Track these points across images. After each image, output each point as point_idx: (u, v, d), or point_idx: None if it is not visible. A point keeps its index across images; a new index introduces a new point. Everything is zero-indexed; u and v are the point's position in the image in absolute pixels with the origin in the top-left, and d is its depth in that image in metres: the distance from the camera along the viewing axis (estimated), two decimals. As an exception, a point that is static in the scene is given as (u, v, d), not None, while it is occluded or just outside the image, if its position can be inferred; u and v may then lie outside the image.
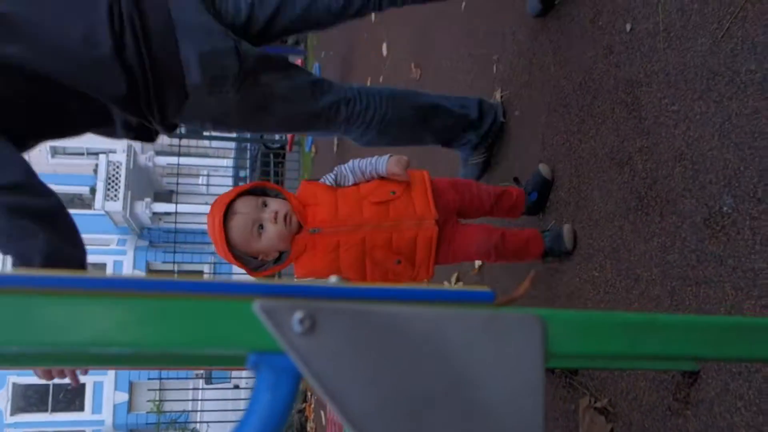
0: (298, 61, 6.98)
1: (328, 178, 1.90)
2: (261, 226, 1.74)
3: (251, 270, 1.83)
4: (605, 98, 1.90)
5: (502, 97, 2.58)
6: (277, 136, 10.14)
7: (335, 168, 1.93)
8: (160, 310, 0.54)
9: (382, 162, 1.87)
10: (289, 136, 7.83)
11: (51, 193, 1.61)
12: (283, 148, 10.29)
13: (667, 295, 1.58)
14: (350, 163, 1.91)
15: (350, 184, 1.90)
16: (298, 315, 0.55)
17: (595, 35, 1.97)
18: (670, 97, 1.62)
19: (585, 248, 1.94)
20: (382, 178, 1.89)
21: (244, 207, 1.74)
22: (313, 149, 8.43)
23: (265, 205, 1.76)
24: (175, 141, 9.16)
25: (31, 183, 1.56)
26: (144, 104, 1.78)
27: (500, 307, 0.62)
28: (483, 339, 0.59)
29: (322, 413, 6.18)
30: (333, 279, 0.62)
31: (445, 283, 3.06)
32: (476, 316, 0.59)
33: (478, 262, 2.72)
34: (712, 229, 1.45)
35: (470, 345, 0.58)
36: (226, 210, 1.73)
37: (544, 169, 2.18)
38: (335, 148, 6.54)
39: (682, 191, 1.55)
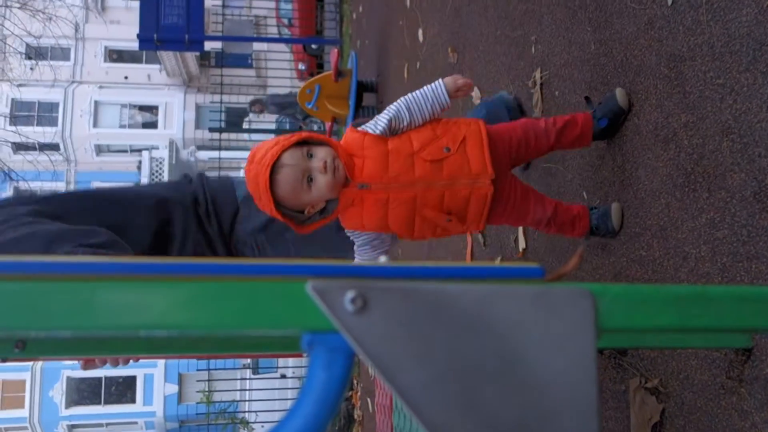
0: (335, 51, 6.99)
1: (379, 125, 1.77)
2: (310, 178, 1.66)
3: (297, 225, 1.77)
4: (648, 74, 1.86)
5: (542, 78, 2.56)
6: (315, 126, 10.21)
7: (389, 107, 1.80)
8: (217, 292, 0.56)
9: (441, 91, 1.80)
10: (327, 125, 7.87)
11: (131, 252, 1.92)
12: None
13: (718, 272, 1.55)
14: (404, 101, 1.79)
15: (405, 125, 1.78)
16: (349, 294, 0.56)
17: (635, 11, 1.94)
18: (715, 70, 1.58)
19: (631, 227, 1.92)
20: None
21: (291, 159, 1.65)
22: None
23: (310, 155, 1.67)
24: (216, 135, 9.27)
25: (114, 243, 1.83)
26: (204, 214, 2.19)
27: (549, 283, 0.62)
28: (533, 314, 0.59)
29: (369, 401, 6.23)
30: (383, 259, 0.63)
31: (489, 267, 3.05)
32: (525, 291, 0.59)
33: (522, 245, 2.70)
34: (762, 204, 1.42)
35: (520, 320, 0.59)
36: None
37: (620, 95, 1.96)
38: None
39: (731, 165, 1.52)
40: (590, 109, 2.03)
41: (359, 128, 1.78)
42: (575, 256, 0.66)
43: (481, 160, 1.77)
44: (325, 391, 0.56)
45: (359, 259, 1.87)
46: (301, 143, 1.69)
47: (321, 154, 1.67)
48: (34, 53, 19.32)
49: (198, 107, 23.68)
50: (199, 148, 21.72)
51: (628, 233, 1.93)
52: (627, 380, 1.88)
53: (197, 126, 23.37)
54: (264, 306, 0.56)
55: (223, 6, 10.31)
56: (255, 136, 16.92)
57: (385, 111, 1.79)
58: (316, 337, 0.57)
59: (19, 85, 19.87)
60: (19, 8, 15.12)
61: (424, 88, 1.80)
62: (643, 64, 1.88)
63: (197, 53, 20.33)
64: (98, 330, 0.55)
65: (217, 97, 10.17)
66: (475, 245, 3.36)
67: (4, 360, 1.33)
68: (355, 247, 1.88)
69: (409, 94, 1.80)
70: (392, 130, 1.78)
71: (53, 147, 20.62)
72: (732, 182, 1.52)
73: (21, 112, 22.80)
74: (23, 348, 1.24)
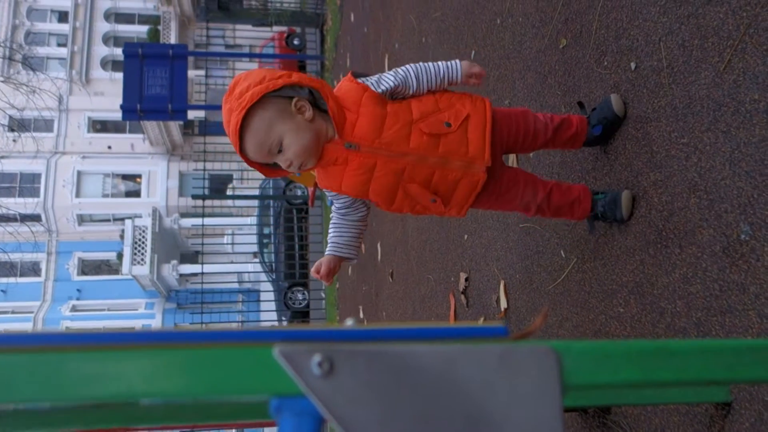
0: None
1: (383, 83, 1.67)
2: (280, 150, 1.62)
3: (266, 169, 1.71)
4: (616, 135, 1.92)
5: (515, 140, 2.62)
6: (299, 191, 10.28)
7: (397, 70, 1.69)
8: (184, 360, 0.56)
9: (455, 70, 1.70)
10: (310, 190, 7.92)
11: None
12: (305, 203, 10.42)
13: (693, 326, 1.57)
14: (414, 69, 1.69)
15: (410, 93, 1.69)
16: (316, 358, 0.57)
17: (601, 75, 2.01)
18: (679, 130, 1.64)
19: (608, 284, 1.94)
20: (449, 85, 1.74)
21: (255, 153, 1.60)
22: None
23: (280, 150, 1.61)
24: (200, 202, 9.30)
25: None
26: None
27: (514, 342, 0.63)
28: (498, 373, 0.60)
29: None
30: (349, 322, 0.64)
31: (472, 328, 3.04)
32: (490, 350, 0.60)
33: (504, 305, 2.71)
34: (731, 258, 1.45)
35: (486, 379, 0.60)
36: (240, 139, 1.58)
37: (615, 101, 1.88)
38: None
39: (699, 222, 1.56)
40: (584, 114, 1.98)
41: (360, 79, 1.67)
42: (540, 316, 0.68)
43: (480, 144, 1.69)
44: (293, 457, 0.57)
45: (339, 220, 1.80)
46: (285, 95, 1.59)
47: (289, 153, 1.61)
48: (17, 125, 19.44)
49: (181, 175, 23.81)
50: (183, 215, 21.71)
51: (606, 290, 1.95)
52: (612, 439, 1.86)
53: (181, 194, 23.45)
54: (232, 372, 0.57)
55: (206, 76, 10.49)
56: (239, 203, 16.97)
57: (392, 72, 1.69)
58: (284, 402, 0.58)
59: (1, 157, 19.90)
60: (2, 82, 15.29)
61: (439, 63, 1.71)
62: (612, 125, 1.94)
63: (180, 122, 20.61)
64: (66, 401, 0.55)
65: (200, 165, 10.24)
66: (457, 306, 3.36)
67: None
68: (334, 209, 1.81)
69: (422, 64, 1.70)
70: (394, 94, 1.69)
71: (35, 218, 20.53)
72: (702, 238, 1.55)
73: (2, 184, 22.77)
74: (-5, 423, 1.22)
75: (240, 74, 1.62)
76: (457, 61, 1.71)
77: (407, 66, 1.68)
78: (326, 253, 1.84)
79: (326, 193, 1.79)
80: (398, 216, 4.81)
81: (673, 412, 1.63)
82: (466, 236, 3.25)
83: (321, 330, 0.61)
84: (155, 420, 1.32)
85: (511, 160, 2.59)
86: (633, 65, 1.84)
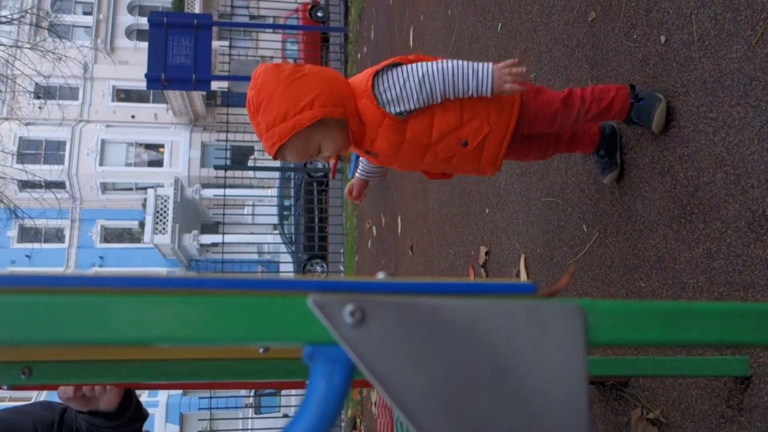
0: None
1: (403, 104, 1.61)
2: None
3: None
4: (643, 109, 1.90)
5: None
6: (320, 164, 10.30)
7: (423, 84, 1.59)
8: (222, 306, 0.58)
9: (486, 85, 1.60)
10: (331, 163, 7.94)
11: None
12: (326, 176, 10.44)
13: (715, 300, 1.57)
14: (440, 84, 1.59)
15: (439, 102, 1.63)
16: (348, 308, 0.59)
17: (630, 49, 1.99)
18: (708, 104, 1.63)
19: (630, 258, 1.94)
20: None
21: (293, 161, 1.76)
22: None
23: (319, 150, 1.66)
24: (221, 173, 9.36)
25: None
26: None
27: (541, 299, 0.65)
28: (525, 328, 0.62)
29: (372, 438, 6.16)
30: (380, 275, 0.65)
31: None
32: (518, 306, 0.62)
33: (523, 275, 2.72)
34: (756, 233, 1.45)
35: (513, 334, 0.61)
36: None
37: (658, 119, 1.79)
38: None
39: (725, 197, 1.55)
40: (631, 95, 1.85)
41: (379, 103, 1.61)
42: (566, 275, 0.69)
43: (494, 157, 1.75)
44: (325, 401, 0.59)
45: None
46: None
47: (326, 153, 1.68)
48: (43, 92, 19.61)
49: (203, 146, 23.93)
50: (204, 186, 21.86)
51: (627, 264, 1.95)
52: (629, 412, 1.88)
53: (202, 164, 23.58)
54: (267, 319, 0.59)
55: (230, 46, 10.49)
56: (260, 174, 17.03)
57: (417, 84, 1.59)
58: (317, 350, 0.60)
59: (27, 124, 20.12)
60: (29, 48, 15.40)
61: (468, 70, 1.60)
62: (639, 99, 1.93)
63: (204, 92, 20.64)
64: (108, 343, 0.58)
65: (222, 136, 10.29)
66: (477, 279, 3.38)
67: (11, 388, 1.35)
68: None
69: (449, 71, 1.59)
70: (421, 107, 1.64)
71: (59, 185, 20.79)
72: (727, 213, 1.55)
73: (28, 150, 23.06)
74: (30, 374, 1.27)
75: (257, 79, 1.58)
76: (489, 72, 1.60)
77: (434, 73, 1.59)
78: (357, 176, 2.07)
79: None
80: (419, 189, 4.82)
81: (692, 385, 1.64)
82: (487, 210, 3.26)
83: (353, 281, 0.62)
84: (181, 376, 1.36)
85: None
86: (663, 38, 1.82)
